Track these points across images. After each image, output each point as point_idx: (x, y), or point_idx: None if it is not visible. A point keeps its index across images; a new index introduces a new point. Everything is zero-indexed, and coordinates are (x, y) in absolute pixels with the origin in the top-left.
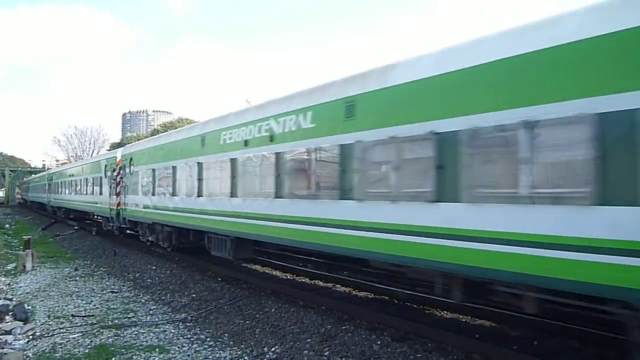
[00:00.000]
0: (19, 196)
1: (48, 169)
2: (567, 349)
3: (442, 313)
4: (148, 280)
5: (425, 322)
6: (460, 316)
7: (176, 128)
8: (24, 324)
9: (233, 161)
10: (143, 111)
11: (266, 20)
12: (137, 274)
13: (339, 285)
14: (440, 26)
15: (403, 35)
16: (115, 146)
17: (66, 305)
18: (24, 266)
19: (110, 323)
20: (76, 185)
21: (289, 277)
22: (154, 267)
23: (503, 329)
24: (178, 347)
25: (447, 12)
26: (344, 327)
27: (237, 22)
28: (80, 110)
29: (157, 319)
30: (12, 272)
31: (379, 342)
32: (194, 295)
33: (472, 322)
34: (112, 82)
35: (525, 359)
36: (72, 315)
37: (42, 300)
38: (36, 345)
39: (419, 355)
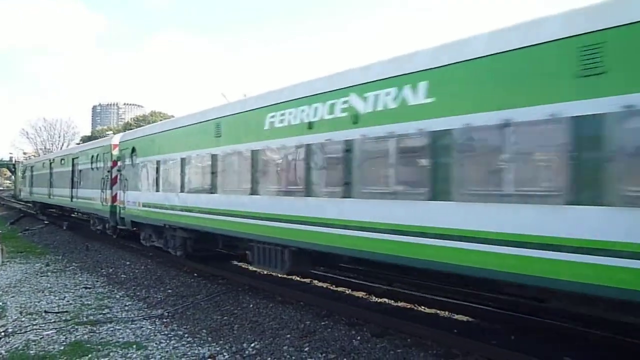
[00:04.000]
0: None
1: (16, 161)
2: (543, 343)
3: (421, 308)
4: (122, 275)
5: (404, 317)
6: (439, 311)
7: (149, 122)
8: None
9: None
10: (114, 104)
11: (248, 12)
12: (111, 270)
13: (316, 281)
14: (436, 22)
15: (401, 32)
16: (85, 139)
17: (39, 302)
18: None
19: (85, 319)
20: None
21: (266, 272)
22: (127, 263)
23: (481, 324)
24: (155, 344)
25: (441, 8)
26: (323, 323)
27: (216, 15)
28: (50, 102)
29: (133, 315)
30: None
31: (358, 338)
32: (170, 290)
33: (450, 317)
34: (83, 73)
35: (503, 354)
36: (45, 312)
37: (13, 297)
38: (8, 343)
39: (399, 351)
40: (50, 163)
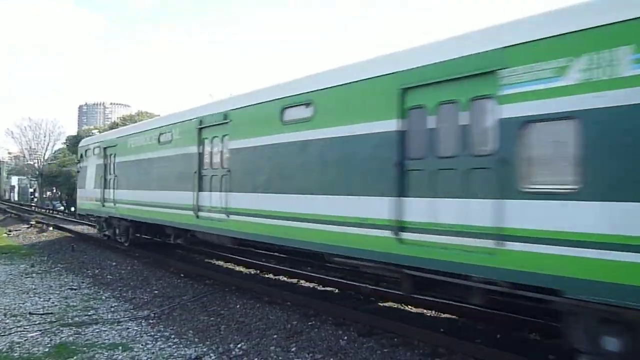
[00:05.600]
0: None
1: (1, 162)
2: (528, 341)
3: (407, 307)
4: (108, 276)
5: (391, 317)
6: (425, 310)
7: (135, 122)
8: None
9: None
10: (100, 103)
11: (248, 11)
12: (97, 270)
13: (303, 281)
14: (436, 22)
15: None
16: (72, 139)
17: (23, 303)
18: None
19: (70, 321)
20: None
21: (252, 272)
22: (114, 263)
23: (466, 323)
24: (142, 345)
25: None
26: (310, 323)
27: (212, 15)
28: (35, 101)
29: (119, 316)
30: None
31: (345, 338)
32: (156, 291)
33: (437, 316)
34: (69, 73)
35: (488, 352)
36: (30, 313)
37: None
38: None
39: (385, 350)
40: (200, 129)
